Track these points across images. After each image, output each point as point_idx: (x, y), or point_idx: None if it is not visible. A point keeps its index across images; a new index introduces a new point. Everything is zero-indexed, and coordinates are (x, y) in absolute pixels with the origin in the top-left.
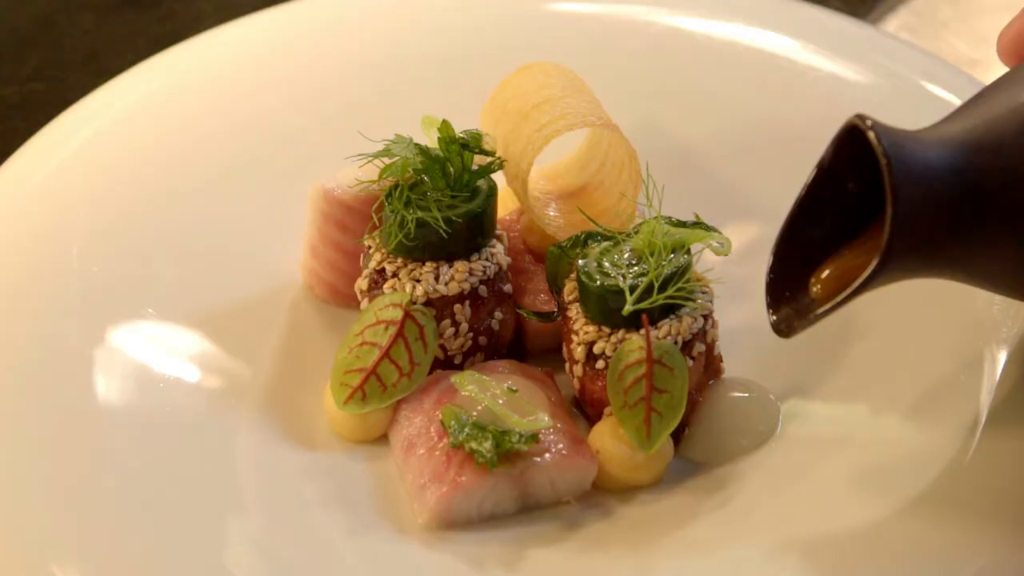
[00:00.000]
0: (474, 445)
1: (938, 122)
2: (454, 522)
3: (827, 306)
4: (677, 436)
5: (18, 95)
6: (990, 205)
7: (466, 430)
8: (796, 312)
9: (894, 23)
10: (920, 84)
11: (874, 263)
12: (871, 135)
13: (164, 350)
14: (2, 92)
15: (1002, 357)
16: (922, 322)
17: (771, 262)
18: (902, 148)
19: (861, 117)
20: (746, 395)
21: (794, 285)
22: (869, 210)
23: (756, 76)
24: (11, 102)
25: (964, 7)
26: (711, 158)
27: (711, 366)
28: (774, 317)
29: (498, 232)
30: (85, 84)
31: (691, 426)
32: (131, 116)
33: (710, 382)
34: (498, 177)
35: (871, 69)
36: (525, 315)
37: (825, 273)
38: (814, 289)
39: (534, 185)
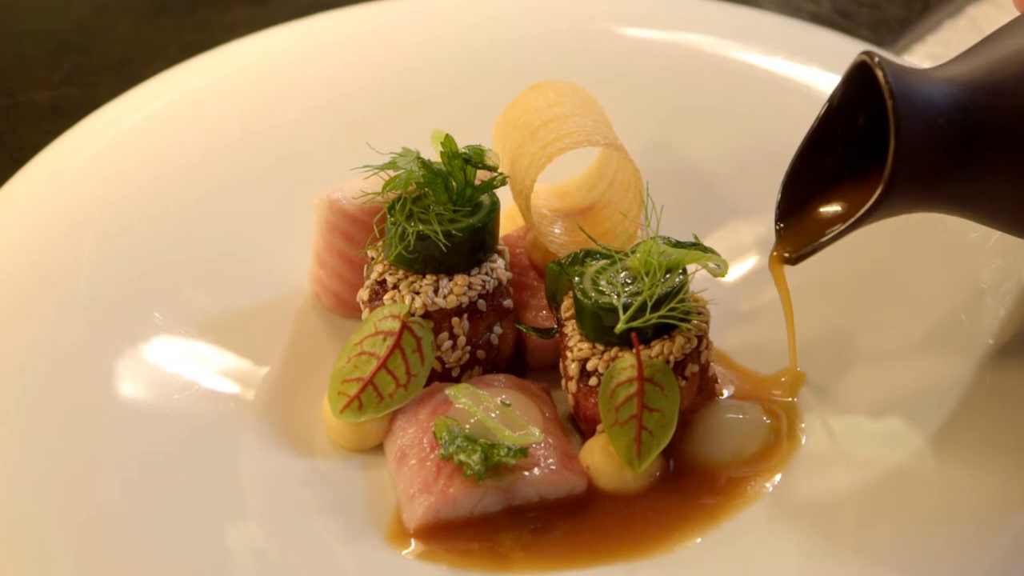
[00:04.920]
0: (463, 457)
1: (945, 62)
2: (442, 531)
3: (832, 233)
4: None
5: (50, 99)
6: (991, 142)
7: (457, 442)
8: (803, 241)
9: (921, 52)
10: None
11: (877, 192)
12: (878, 72)
13: (170, 355)
14: (35, 95)
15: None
16: (919, 337)
17: (781, 192)
18: (907, 84)
19: (869, 54)
20: (739, 416)
21: (802, 216)
22: (878, 150)
23: (772, 100)
24: (43, 106)
25: None
26: (723, 180)
27: (705, 387)
28: (782, 245)
29: (500, 247)
30: (116, 90)
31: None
32: (148, 124)
33: (706, 403)
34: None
35: None
36: (524, 330)
37: (833, 205)
38: (821, 219)
39: (544, 202)
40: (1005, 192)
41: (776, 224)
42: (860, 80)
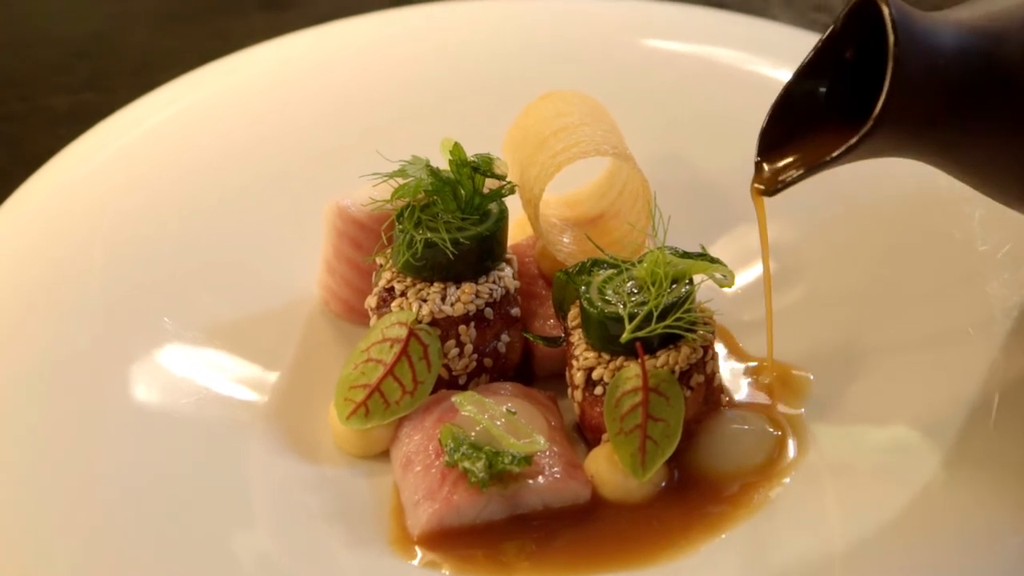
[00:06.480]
0: (467, 464)
1: (949, 9)
2: (446, 538)
3: (814, 165)
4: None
5: (67, 104)
6: (987, 90)
7: (462, 449)
8: (784, 171)
9: None
10: None
11: (868, 124)
12: (883, 6)
13: (179, 360)
14: (52, 101)
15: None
16: (925, 350)
17: (764, 127)
18: (911, 21)
19: None
20: (744, 427)
21: (784, 151)
22: (868, 103)
23: None
24: (60, 111)
25: None
26: (732, 191)
27: (711, 397)
28: (759, 177)
29: (508, 256)
30: (133, 96)
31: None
32: (159, 130)
33: (711, 413)
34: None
35: None
36: (531, 339)
37: (816, 144)
38: (803, 156)
39: (553, 211)
40: (995, 145)
41: (756, 158)
42: (860, 24)
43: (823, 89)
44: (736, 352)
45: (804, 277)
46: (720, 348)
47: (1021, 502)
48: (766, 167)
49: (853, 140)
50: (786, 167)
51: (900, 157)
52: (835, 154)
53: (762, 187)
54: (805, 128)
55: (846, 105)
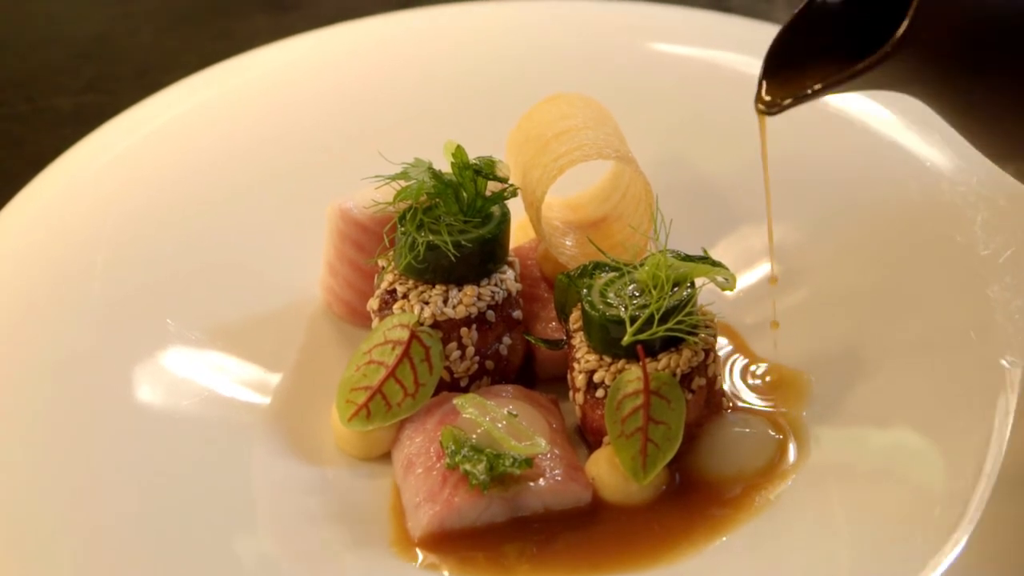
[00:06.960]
0: (468, 467)
1: None
2: (446, 540)
3: (821, 86)
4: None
5: (71, 105)
6: (1008, 30)
7: (463, 452)
8: (788, 90)
9: None
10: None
11: (886, 47)
12: None
13: (182, 361)
14: (56, 102)
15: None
16: (927, 353)
17: (774, 44)
18: None
19: None
20: (746, 430)
21: (788, 76)
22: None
23: (785, 114)
24: (63, 112)
25: None
26: (735, 194)
27: (712, 401)
28: (760, 99)
29: (510, 259)
30: (137, 98)
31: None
32: (162, 132)
33: (713, 417)
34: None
35: (905, 110)
36: (532, 341)
37: (821, 71)
38: (807, 80)
39: (556, 214)
40: (1007, 87)
41: (759, 80)
42: None
43: (833, 19)
44: (743, 354)
45: (806, 280)
46: (724, 350)
47: (1022, 504)
48: (770, 87)
49: (862, 65)
50: (790, 88)
51: (905, 92)
52: (845, 75)
53: (763, 107)
54: (811, 57)
55: (853, 42)
